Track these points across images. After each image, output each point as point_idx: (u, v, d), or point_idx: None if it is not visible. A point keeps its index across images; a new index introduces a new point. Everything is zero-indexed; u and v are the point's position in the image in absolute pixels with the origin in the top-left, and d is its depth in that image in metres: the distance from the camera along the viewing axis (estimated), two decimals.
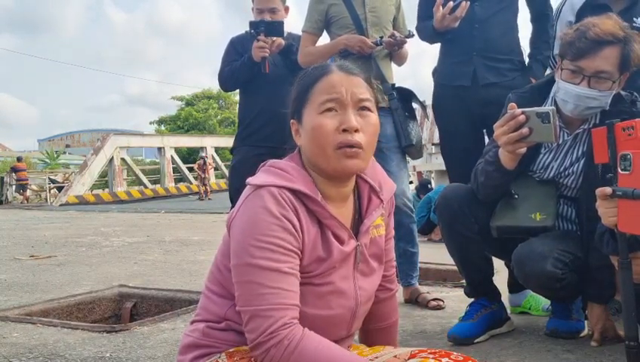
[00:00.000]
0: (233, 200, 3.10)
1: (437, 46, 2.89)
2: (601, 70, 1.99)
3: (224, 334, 1.30)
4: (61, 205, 17.31)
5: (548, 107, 2.03)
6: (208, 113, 38.32)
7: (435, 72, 2.90)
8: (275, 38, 3.05)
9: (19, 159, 23.56)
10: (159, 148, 22.68)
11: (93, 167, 19.44)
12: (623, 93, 2.10)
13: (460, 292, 2.75)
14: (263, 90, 3.11)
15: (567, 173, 2.17)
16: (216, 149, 24.85)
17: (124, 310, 3.39)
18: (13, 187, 21.59)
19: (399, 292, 2.01)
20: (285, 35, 3.13)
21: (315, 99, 1.30)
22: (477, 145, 2.59)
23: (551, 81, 2.21)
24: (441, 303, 2.90)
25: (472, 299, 2.40)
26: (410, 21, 3.07)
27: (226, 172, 19.35)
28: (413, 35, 2.92)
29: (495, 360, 2.04)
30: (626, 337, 1.71)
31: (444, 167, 3.03)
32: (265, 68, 3.02)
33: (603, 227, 1.83)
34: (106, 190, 20.74)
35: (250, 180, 1.29)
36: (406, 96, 2.99)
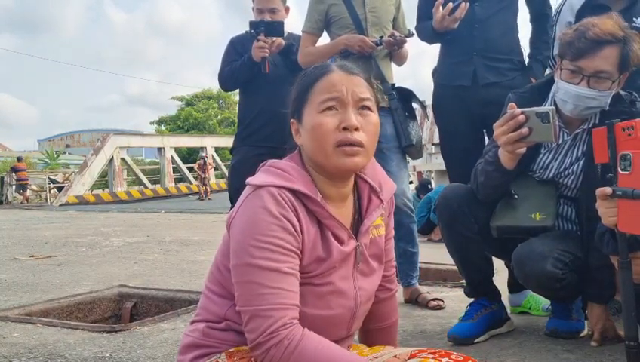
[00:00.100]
0: (233, 200, 3.10)
1: (437, 46, 2.89)
2: (600, 70, 1.99)
3: (224, 334, 1.30)
4: (61, 205, 17.32)
5: (547, 107, 2.03)
6: (208, 113, 38.32)
7: (434, 72, 2.90)
8: (275, 38, 3.05)
9: (19, 159, 23.56)
10: (159, 148, 22.68)
11: (93, 167, 19.44)
12: (622, 93, 2.10)
13: (460, 292, 2.75)
14: (263, 90, 3.11)
15: (566, 173, 2.17)
16: (216, 149, 24.85)
17: (124, 310, 3.39)
18: (13, 187, 21.59)
19: (399, 293, 2.01)
20: (285, 35, 3.13)
21: (316, 99, 1.30)
22: (477, 145, 2.59)
23: (551, 81, 2.21)
24: (441, 303, 2.90)
25: (472, 299, 2.40)
26: (410, 21, 3.07)
27: (226, 172, 19.33)
28: (413, 34, 2.92)
29: (495, 360, 2.04)
30: (626, 337, 1.71)
31: (444, 167, 3.03)
32: (265, 68, 3.02)
33: (603, 227, 1.83)
34: (106, 190, 20.74)
35: (249, 180, 1.29)
36: (406, 96, 2.99)
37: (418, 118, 3.22)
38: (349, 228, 1.34)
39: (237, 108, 3.58)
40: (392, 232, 1.50)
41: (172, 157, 22.43)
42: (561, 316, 2.31)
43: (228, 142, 18.96)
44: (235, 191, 3.11)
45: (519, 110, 1.93)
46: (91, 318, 3.29)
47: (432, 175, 12.79)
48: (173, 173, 22.91)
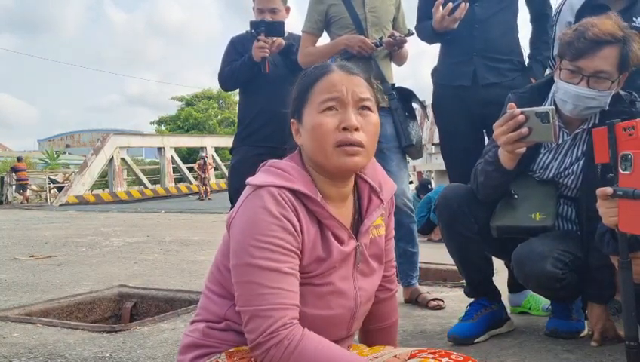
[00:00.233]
0: (233, 200, 3.10)
1: (437, 46, 2.89)
2: (600, 70, 1.99)
3: (224, 334, 1.30)
4: (61, 205, 17.32)
5: (547, 107, 2.03)
6: (208, 113, 38.32)
7: (434, 72, 2.89)
8: (275, 38, 3.05)
9: (19, 159, 23.56)
10: (159, 148, 22.68)
11: (93, 167, 19.45)
12: (622, 93, 2.10)
13: (460, 292, 2.75)
14: (263, 90, 3.10)
15: (566, 172, 2.17)
16: (216, 149, 24.86)
17: (124, 310, 3.39)
18: (13, 187, 21.59)
19: (399, 293, 2.01)
20: (286, 35, 3.12)
21: (316, 99, 1.30)
22: (477, 146, 2.59)
23: (550, 81, 2.21)
24: (441, 303, 2.90)
25: (472, 299, 2.40)
26: (410, 21, 3.07)
27: (226, 172, 19.34)
28: (413, 34, 2.92)
29: (495, 360, 2.04)
30: (626, 337, 1.71)
31: (444, 167, 3.03)
32: (265, 68, 3.02)
33: (603, 227, 1.83)
34: (106, 190, 20.75)
35: (249, 180, 1.29)
36: (406, 96, 2.98)
37: (418, 118, 3.22)
38: (349, 228, 1.34)
39: (237, 108, 3.58)
40: (393, 232, 1.50)
41: (172, 157, 22.43)
42: (561, 316, 2.31)
43: (228, 142, 18.96)
44: (234, 191, 3.11)
45: (519, 110, 1.93)
46: (91, 318, 3.29)
47: (432, 175, 12.79)
48: (173, 173, 22.91)
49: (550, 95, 2.19)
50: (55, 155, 38.03)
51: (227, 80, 3.23)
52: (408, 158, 3.11)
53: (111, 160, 19.95)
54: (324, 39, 3.04)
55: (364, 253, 1.36)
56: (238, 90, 3.36)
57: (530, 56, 2.81)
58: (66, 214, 12.92)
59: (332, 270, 1.30)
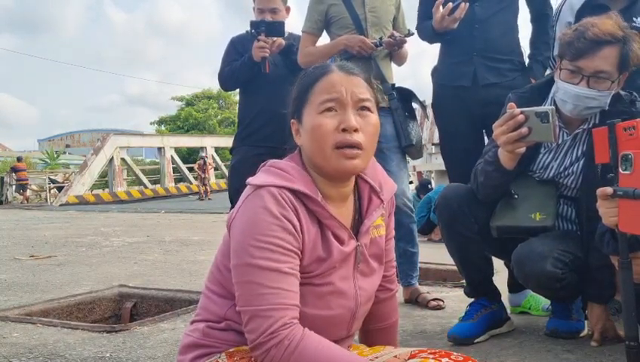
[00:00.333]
0: (233, 200, 3.10)
1: (437, 46, 2.89)
2: (600, 70, 1.99)
3: (224, 334, 1.30)
4: (61, 205, 17.32)
5: (547, 107, 2.03)
6: (208, 113, 38.33)
7: (434, 72, 2.89)
8: (275, 38, 3.05)
9: (19, 159, 23.56)
10: (159, 148, 22.69)
11: (93, 167, 19.45)
12: (622, 92, 2.10)
13: (460, 292, 2.75)
14: (263, 90, 3.11)
15: (566, 172, 2.17)
16: (216, 149, 24.86)
17: (124, 310, 3.39)
18: (13, 187, 21.59)
19: (399, 293, 2.01)
20: (286, 35, 3.12)
21: (315, 99, 1.30)
22: (477, 146, 2.58)
23: (550, 81, 2.21)
24: (441, 303, 2.90)
25: (472, 299, 2.40)
26: (410, 21, 3.07)
27: (226, 172, 19.35)
28: (413, 34, 2.92)
29: (495, 360, 2.04)
30: (626, 337, 1.71)
31: (444, 167, 3.03)
32: (265, 68, 3.02)
33: (603, 227, 1.83)
34: (106, 190, 20.75)
35: (250, 180, 1.29)
36: (406, 96, 2.98)
37: (418, 118, 3.22)
38: (350, 228, 1.34)
39: (237, 108, 3.58)
40: (393, 232, 1.50)
41: (172, 157, 22.43)
42: (561, 316, 2.31)
43: (228, 142, 18.97)
44: (235, 191, 3.11)
45: (518, 110, 1.93)
46: (91, 318, 3.29)
47: (432, 175, 12.80)
48: (173, 173, 22.91)
49: (550, 95, 2.19)
50: (55, 155, 38.03)
51: (227, 80, 3.23)
52: (408, 158, 3.11)
53: (111, 160, 19.95)
54: (324, 39, 3.04)
55: (365, 253, 1.36)
56: (238, 90, 3.36)
57: (530, 57, 2.81)
58: (66, 214, 12.93)
59: (332, 270, 1.30)
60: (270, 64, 3.05)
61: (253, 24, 3.06)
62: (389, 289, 1.52)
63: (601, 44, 1.97)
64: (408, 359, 1.27)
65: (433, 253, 4.48)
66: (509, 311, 2.52)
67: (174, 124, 38.38)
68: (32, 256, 5.40)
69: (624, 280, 1.71)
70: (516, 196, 2.16)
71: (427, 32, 2.79)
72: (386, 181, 1.44)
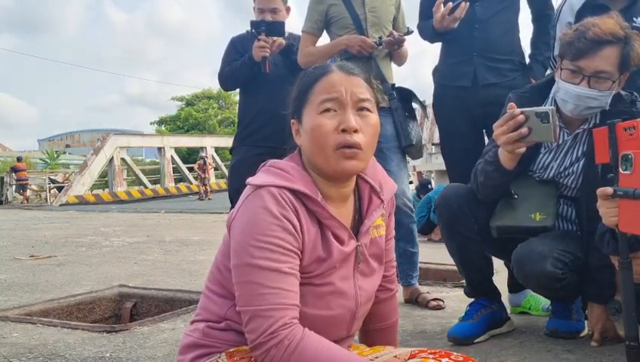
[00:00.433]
0: (233, 200, 3.10)
1: (437, 46, 2.89)
2: (600, 70, 1.99)
3: (224, 334, 1.30)
4: (61, 205, 17.31)
5: (547, 107, 2.03)
6: (208, 113, 38.32)
7: (435, 72, 2.90)
8: (275, 38, 3.05)
9: (19, 159, 23.56)
10: (159, 148, 22.69)
11: (93, 167, 19.44)
12: (622, 93, 2.10)
13: (460, 292, 2.74)
14: (263, 89, 3.10)
15: (567, 172, 2.17)
16: (217, 149, 24.85)
17: (124, 310, 3.39)
18: (13, 187, 21.58)
19: (399, 293, 2.01)
20: (286, 35, 3.13)
21: (315, 99, 1.29)
22: (477, 146, 2.58)
23: (551, 81, 2.21)
24: (441, 303, 2.90)
25: (472, 299, 2.40)
26: (410, 21, 3.07)
27: (226, 172, 19.35)
28: (412, 32, 2.92)
29: (495, 360, 2.04)
30: (626, 337, 1.71)
31: (444, 167, 3.03)
32: (265, 68, 3.03)
33: (603, 227, 1.83)
34: (106, 190, 20.75)
35: (250, 180, 1.29)
36: (406, 96, 2.98)
37: (418, 118, 3.22)
38: (350, 228, 1.34)
39: (237, 108, 3.58)
40: (393, 232, 1.50)
41: (172, 157, 22.43)
42: (561, 316, 2.31)
43: (228, 142, 18.97)
44: (235, 191, 3.11)
45: (519, 110, 1.93)
46: (91, 318, 3.29)
47: (432, 175, 12.80)
48: (173, 173, 22.91)
49: (551, 95, 2.19)
50: (55, 155, 38.02)
51: (227, 79, 3.23)
52: (408, 158, 3.11)
53: (111, 160, 19.95)
54: (324, 39, 3.04)
55: (365, 253, 1.36)
56: (238, 90, 3.36)
57: (530, 56, 2.81)
58: (66, 214, 12.92)
59: (332, 270, 1.30)
60: (270, 64, 3.05)
61: (253, 24, 3.06)
62: (389, 290, 1.52)
63: (602, 43, 1.97)
64: (408, 359, 1.27)
65: (433, 253, 4.48)
66: (509, 311, 2.52)
67: (174, 124, 38.37)
68: (32, 256, 5.40)
69: (624, 280, 1.71)
70: (516, 196, 2.16)
71: (428, 32, 2.79)
72: (387, 181, 1.43)
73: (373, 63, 2.88)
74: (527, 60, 2.81)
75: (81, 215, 12.58)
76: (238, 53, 3.18)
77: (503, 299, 2.44)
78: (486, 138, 2.75)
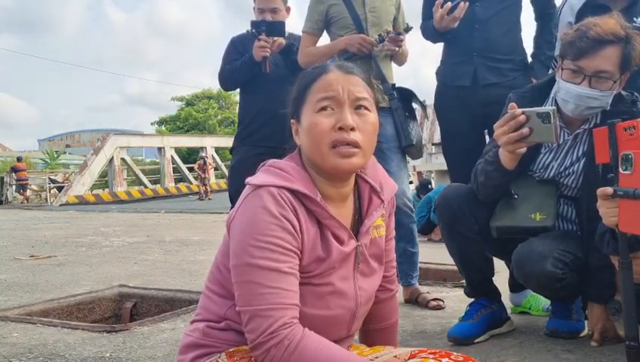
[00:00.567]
0: (233, 200, 3.09)
1: (439, 45, 2.90)
2: (601, 70, 1.99)
3: (224, 334, 1.30)
4: (61, 205, 17.31)
5: (548, 107, 2.03)
6: (208, 113, 38.31)
7: (438, 72, 2.90)
8: (276, 38, 3.05)
9: (19, 159, 23.56)
10: (159, 148, 22.69)
11: (93, 167, 19.44)
12: (623, 93, 2.10)
13: (460, 292, 2.74)
14: (263, 89, 3.10)
15: (567, 172, 2.17)
16: (217, 149, 24.85)
17: (124, 310, 3.38)
18: (13, 187, 21.59)
19: (399, 293, 2.01)
20: (286, 35, 3.13)
21: (312, 98, 1.30)
22: (478, 146, 2.58)
23: (551, 81, 2.21)
24: (441, 303, 2.90)
25: (472, 299, 2.40)
26: (411, 20, 3.06)
27: (226, 172, 19.36)
28: (411, 28, 2.92)
29: (495, 360, 2.04)
30: (626, 337, 1.71)
31: (444, 167, 3.04)
32: (266, 67, 3.03)
33: (604, 227, 1.83)
34: (106, 190, 20.74)
35: (249, 180, 1.29)
36: (406, 96, 2.98)
37: (418, 118, 3.22)
38: (350, 228, 1.34)
39: (237, 108, 3.58)
40: (393, 233, 1.49)
41: (172, 157, 22.43)
42: (561, 316, 2.30)
43: (228, 142, 18.99)
44: (235, 191, 3.11)
45: (520, 110, 1.93)
46: (91, 318, 3.29)
47: (432, 175, 12.81)
48: (173, 173, 22.91)
49: (551, 95, 2.18)
50: (55, 155, 38.00)
51: (227, 79, 3.23)
52: (408, 158, 3.11)
53: (111, 160, 19.94)
54: (325, 39, 3.04)
55: (365, 254, 1.36)
56: (238, 90, 3.36)
57: (532, 56, 2.81)
58: (66, 214, 12.92)
59: (332, 270, 1.30)
60: (271, 64, 3.05)
61: (254, 24, 3.06)
62: (389, 290, 1.51)
63: (603, 43, 1.97)
64: (408, 359, 1.27)
65: (433, 253, 4.48)
66: (509, 310, 2.52)
67: (174, 124, 38.36)
68: (32, 256, 5.40)
69: (624, 280, 1.71)
70: (516, 196, 2.16)
71: (429, 32, 2.79)
72: (387, 181, 1.43)
73: (373, 63, 2.88)
74: (530, 59, 2.81)
75: (81, 215, 12.58)
76: (238, 52, 3.18)
77: (503, 298, 2.44)
78: (487, 138, 2.75)
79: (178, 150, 23.89)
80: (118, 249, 5.98)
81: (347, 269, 1.33)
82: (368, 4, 2.93)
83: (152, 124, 41.96)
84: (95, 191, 20.44)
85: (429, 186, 8.99)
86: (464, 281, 2.48)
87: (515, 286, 2.68)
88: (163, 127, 38.65)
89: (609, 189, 1.65)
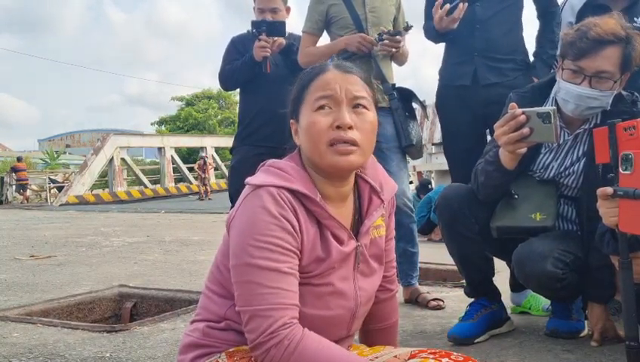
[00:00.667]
0: (233, 200, 3.09)
1: (439, 45, 2.89)
2: (602, 70, 1.99)
3: (224, 334, 1.30)
4: (61, 205, 17.31)
5: (549, 107, 2.03)
6: (208, 113, 38.31)
7: (440, 72, 2.90)
8: (276, 38, 3.05)
9: (19, 159, 23.56)
10: (159, 148, 22.69)
11: (93, 167, 19.45)
12: (624, 93, 2.10)
13: (460, 292, 2.74)
14: (263, 89, 3.11)
15: (567, 172, 2.17)
16: (217, 149, 24.85)
17: (124, 310, 3.38)
18: (14, 187, 21.59)
19: (399, 293, 2.01)
20: (286, 35, 3.13)
21: (310, 98, 1.30)
22: (479, 146, 2.57)
23: (552, 81, 2.21)
24: (441, 303, 2.90)
25: (472, 299, 2.40)
26: (411, 21, 3.06)
27: (226, 172, 19.37)
28: (411, 27, 2.91)
29: (495, 360, 2.04)
30: (626, 337, 1.71)
31: (444, 167, 3.05)
32: (266, 68, 3.03)
33: (604, 227, 1.83)
34: (106, 190, 20.75)
35: (249, 180, 1.29)
36: (406, 96, 2.98)
37: (418, 117, 3.22)
38: (349, 228, 1.34)
39: (237, 108, 3.58)
40: (393, 233, 1.49)
41: (172, 157, 22.43)
42: (561, 316, 2.30)
43: (228, 142, 18.99)
44: (235, 191, 3.11)
45: (520, 110, 1.93)
46: (91, 318, 3.29)
47: (432, 175, 12.79)
48: (174, 173, 22.91)
49: (551, 95, 2.18)
50: (55, 155, 38.00)
51: (228, 79, 3.23)
52: (408, 158, 3.11)
53: (111, 160, 19.95)
54: (325, 39, 3.04)
55: (365, 254, 1.36)
56: (238, 90, 3.36)
57: (534, 55, 2.81)
58: (66, 214, 12.92)
59: (331, 270, 1.30)
60: (271, 64, 3.05)
61: (254, 24, 3.06)
62: (389, 290, 1.51)
63: (603, 43, 1.97)
64: (408, 359, 1.27)
65: (433, 253, 4.48)
66: (509, 310, 2.52)
67: (174, 124, 38.36)
68: (32, 256, 5.40)
69: (624, 280, 1.71)
70: (516, 196, 2.15)
71: (431, 33, 2.79)
72: (387, 181, 1.43)
73: (373, 63, 2.88)
74: (532, 59, 2.81)
75: (81, 215, 12.58)
76: (238, 52, 3.18)
77: (503, 298, 2.44)
78: (489, 138, 2.74)
79: (178, 150, 23.89)
80: (118, 249, 5.98)
81: (347, 269, 1.33)
82: (368, 4, 2.93)
83: (152, 124, 41.99)
84: (95, 191, 20.45)
85: (429, 186, 8.98)
86: (464, 281, 2.48)
87: (515, 286, 2.68)
88: (163, 127, 38.65)
89: (609, 189, 1.65)
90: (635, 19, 2.54)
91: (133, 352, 2.30)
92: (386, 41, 2.82)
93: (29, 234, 7.95)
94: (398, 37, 2.84)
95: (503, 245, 2.23)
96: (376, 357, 1.33)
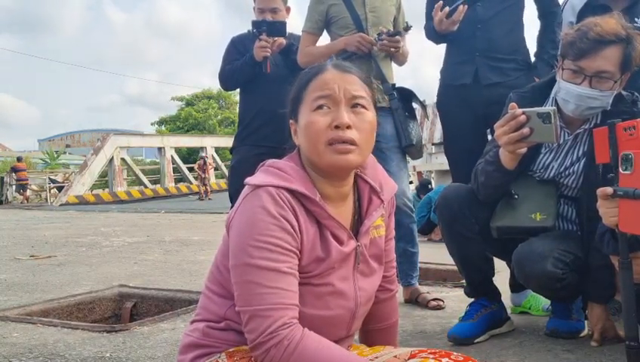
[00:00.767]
0: (233, 200, 3.09)
1: (439, 45, 2.89)
2: (602, 70, 1.99)
3: (224, 334, 1.30)
4: (61, 205, 17.32)
5: (549, 107, 2.03)
6: (208, 113, 38.32)
7: (441, 72, 2.91)
8: (276, 38, 3.05)
9: (19, 159, 23.56)
10: (159, 148, 22.70)
11: (93, 167, 19.45)
12: (624, 93, 2.10)
13: (460, 292, 2.74)
14: (263, 89, 3.11)
15: (567, 172, 2.17)
16: (217, 149, 24.86)
17: (124, 310, 3.38)
18: (14, 187, 21.59)
19: (399, 293, 2.01)
20: (287, 35, 3.13)
21: (309, 98, 1.30)
22: (480, 145, 2.57)
23: (552, 81, 2.20)
24: (441, 303, 2.90)
25: (472, 299, 2.40)
26: (412, 21, 3.06)
27: (226, 172, 19.38)
28: (411, 27, 2.91)
29: (495, 360, 2.04)
30: (626, 337, 1.71)
31: (444, 167, 3.05)
32: (266, 68, 3.03)
33: (604, 227, 1.83)
34: (106, 190, 20.75)
35: (248, 180, 1.28)
36: (406, 96, 2.98)
37: (418, 117, 3.22)
38: (349, 228, 1.34)
39: (237, 108, 3.58)
40: (393, 233, 1.49)
41: (172, 157, 22.44)
42: (561, 316, 2.30)
43: (228, 142, 18.99)
44: (235, 191, 3.11)
45: (520, 110, 1.93)
46: (91, 318, 3.29)
47: (432, 175, 12.78)
48: (174, 173, 22.92)
49: (552, 95, 2.18)
50: (55, 155, 37.99)
51: (228, 79, 3.23)
52: (408, 158, 3.11)
53: (111, 160, 19.95)
54: (325, 39, 3.04)
55: (364, 254, 1.36)
56: (238, 90, 3.36)
57: (536, 55, 2.81)
58: (66, 214, 12.93)
59: (331, 270, 1.30)
60: (271, 64, 3.05)
61: (254, 24, 3.06)
62: (389, 290, 1.51)
63: (603, 43, 1.97)
64: (408, 359, 1.27)
65: (433, 253, 4.48)
66: (509, 310, 2.52)
67: (174, 124, 38.36)
68: (32, 256, 5.40)
69: (624, 280, 1.71)
70: (516, 196, 2.15)
71: (431, 33, 2.79)
72: (387, 181, 1.43)
73: (373, 63, 2.88)
74: (533, 59, 2.81)
75: (81, 215, 12.58)
76: (238, 52, 3.18)
77: (503, 298, 2.44)
78: (489, 138, 2.74)
79: (178, 150, 23.90)
80: (118, 249, 5.98)
81: (347, 269, 1.33)
82: (368, 4, 2.93)
83: (152, 124, 42.01)
84: (95, 191, 20.45)
85: (429, 186, 8.98)
86: (464, 281, 2.48)
87: (515, 286, 2.68)
88: (163, 127, 38.66)
89: (609, 189, 1.65)
90: (636, 19, 2.54)
91: (133, 352, 2.30)
92: (385, 42, 2.81)
93: (29, 234, 7.95)
94: (397, 37, 2.84)
95: (503, 245, 2.23)
96: (376, 357, 1.33)
